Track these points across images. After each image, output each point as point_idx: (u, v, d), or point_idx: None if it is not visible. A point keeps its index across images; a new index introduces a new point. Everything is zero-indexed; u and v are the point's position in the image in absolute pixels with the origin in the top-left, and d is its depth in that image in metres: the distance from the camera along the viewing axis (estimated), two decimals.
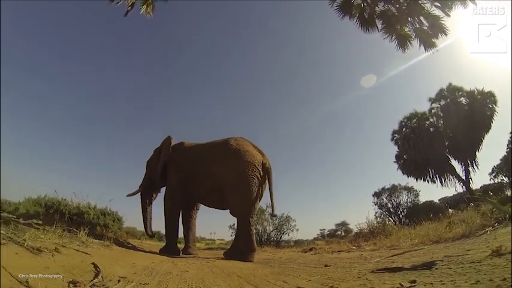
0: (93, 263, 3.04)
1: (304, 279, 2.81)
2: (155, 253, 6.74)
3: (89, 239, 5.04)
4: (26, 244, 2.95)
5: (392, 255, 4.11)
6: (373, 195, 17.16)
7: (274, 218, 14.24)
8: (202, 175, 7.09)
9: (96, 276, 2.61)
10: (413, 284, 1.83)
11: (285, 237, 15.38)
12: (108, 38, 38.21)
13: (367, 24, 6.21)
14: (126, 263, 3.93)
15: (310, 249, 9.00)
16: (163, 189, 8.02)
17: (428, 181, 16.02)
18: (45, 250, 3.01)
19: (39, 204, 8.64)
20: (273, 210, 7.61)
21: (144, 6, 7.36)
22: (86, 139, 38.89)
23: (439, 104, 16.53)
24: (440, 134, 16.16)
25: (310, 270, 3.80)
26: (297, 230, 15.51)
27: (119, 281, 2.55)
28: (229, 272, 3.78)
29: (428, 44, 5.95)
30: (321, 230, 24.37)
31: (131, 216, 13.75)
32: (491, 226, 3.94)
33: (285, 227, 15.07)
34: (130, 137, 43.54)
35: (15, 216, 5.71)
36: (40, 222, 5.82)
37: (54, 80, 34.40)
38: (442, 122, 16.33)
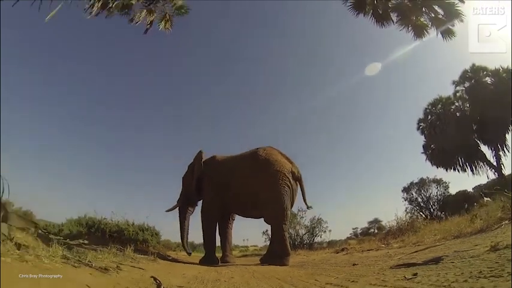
0: (152, 276, 3.56)
1: (332, 277, 3.37)
2: (195, 264, 7.34)
3: (136, 255, 5.55)
4: (93, 265, 3.35)
5: (414, 252, 4.49)
6: (403, 191, 16.90)
7: (310, 208, 14.59)
8: (235, 188, 7.61)
9: (159, 287, 3.10)
10: (414, 276, 2.34)
11: (317, 239, 15.69)
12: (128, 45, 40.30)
13: (382, 19, 6.46)
14: (176, 274, 4.47)
15: (342, 250, 9.37)
16: (199, 202, 8.67)
17: (458, 170, 15.52)
18: (110, 269, 3.47)
19: (80, 224, 9.38)
20: (306, 205, 8.00)
21: (163, 23, 7.87)
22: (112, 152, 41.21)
23: (464, 87, 15.86)
24: (467, 118, 15.47)
25: (339, 269, 4.29)
26: (330, 230, 15.79)
27: None
28: (269, 276, 4.36)
29: (445, 32, 6.08)
30: (353, 229, 24.21)
31: (165, 229, 14.31)
32: (507, 220, 4.19)
33: (317, 229, 15.41)
34: (153, 144, 45.51)
35: (62, 237, 6.31)
36: (86, 241, 6.57)
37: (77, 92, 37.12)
38: (468, 105, 15.70)
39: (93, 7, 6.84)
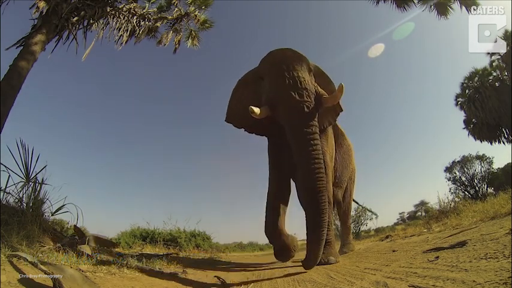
0: (215, 276, 3.87)
1: (371, 263, 4.01)
2: (253, 264, 7.39)
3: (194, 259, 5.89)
4: (164, 271, 3.67)
5: (449, 236, 4.79)
6: (445, 171, 16.39)
7: None
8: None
9: (223, 283, 3.46)
10: (436, 259, 2.91)
11: (363, 227, 16.12)
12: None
13: (403, 2, 6.65)
14: (236, 273, 4.83)
15: (386, 237, 9.68)
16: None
17: (504, 142, 14.67)
18: (178, 273, 3.83)
19: (135, 236, 9.98)
20: None
21: (190, 40, 8.28)
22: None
23: (499, 55, 14.95)
24: (508, 87, 14.63)
25: (379, 256, 4.78)
26: (376, 217, 15.91)
27: (240, 285, 3.44)
28: (317, 266, 4.77)
29: (469, 4, 5.95)
30: (400, 213, 23.77)
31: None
32: None
33: (362, 218, 15.74)
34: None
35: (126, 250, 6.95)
36: (148, 251, 7.08)
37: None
38: (506, 73, 14.80)
39: (122, 37, 7.47)
